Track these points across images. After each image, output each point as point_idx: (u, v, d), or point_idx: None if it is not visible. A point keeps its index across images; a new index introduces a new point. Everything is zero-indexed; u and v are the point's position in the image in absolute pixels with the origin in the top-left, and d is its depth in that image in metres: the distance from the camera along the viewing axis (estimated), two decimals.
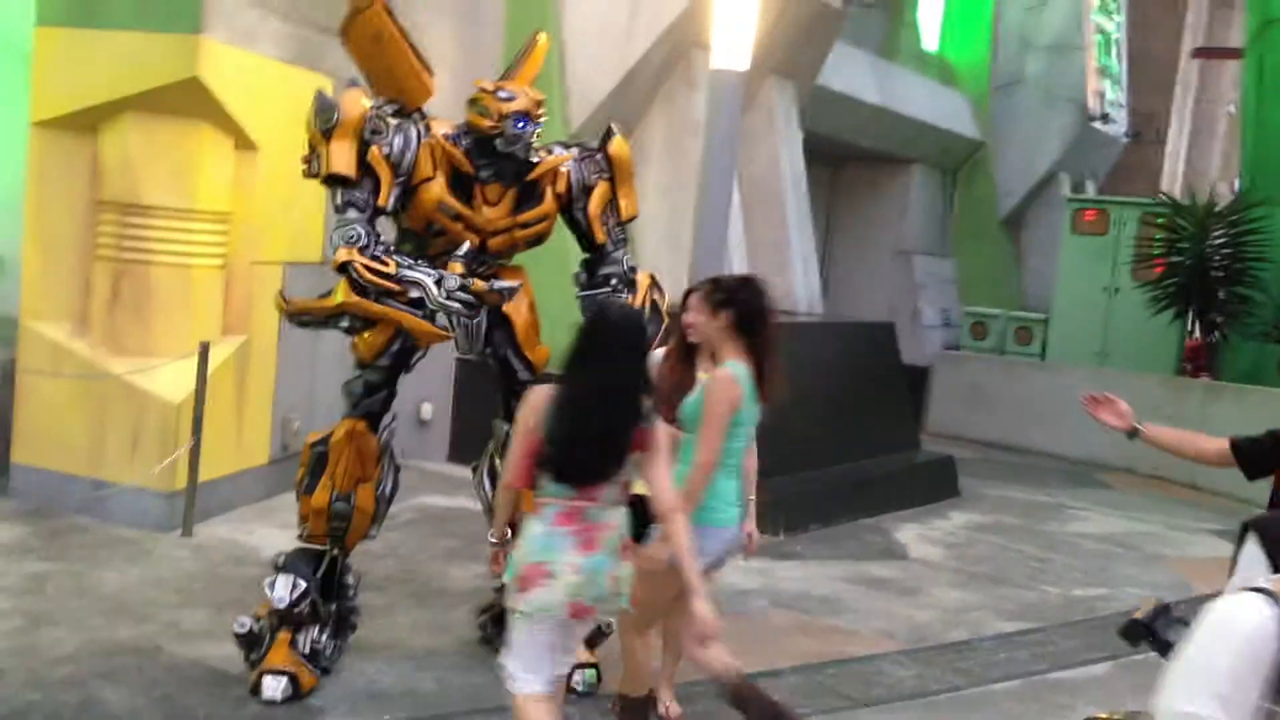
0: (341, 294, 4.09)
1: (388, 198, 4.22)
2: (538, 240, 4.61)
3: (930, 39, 15.83)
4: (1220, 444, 3.47)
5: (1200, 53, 19.66)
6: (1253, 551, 1.93)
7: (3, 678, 4.23)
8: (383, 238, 4.24)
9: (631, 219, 4.74)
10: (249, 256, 6.71)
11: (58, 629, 4.73)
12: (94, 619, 4.88)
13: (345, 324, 4.18)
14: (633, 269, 4.70)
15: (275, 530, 6.13)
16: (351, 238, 4.08)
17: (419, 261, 4.21)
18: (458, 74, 6.47)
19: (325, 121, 4.17)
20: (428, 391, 8.33)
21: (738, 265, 9.14)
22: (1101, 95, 16.04)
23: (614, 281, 4.59)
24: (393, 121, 4.27)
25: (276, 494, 7.07)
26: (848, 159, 14.58)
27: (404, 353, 4.55)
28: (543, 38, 4.73)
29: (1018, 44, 15.82)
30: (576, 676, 4.58)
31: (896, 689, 5.11)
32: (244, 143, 6.56)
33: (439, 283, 4.11)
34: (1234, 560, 2.02)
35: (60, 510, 6.26)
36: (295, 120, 4.47)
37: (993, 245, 15.96)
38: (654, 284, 4.74)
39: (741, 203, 9.58)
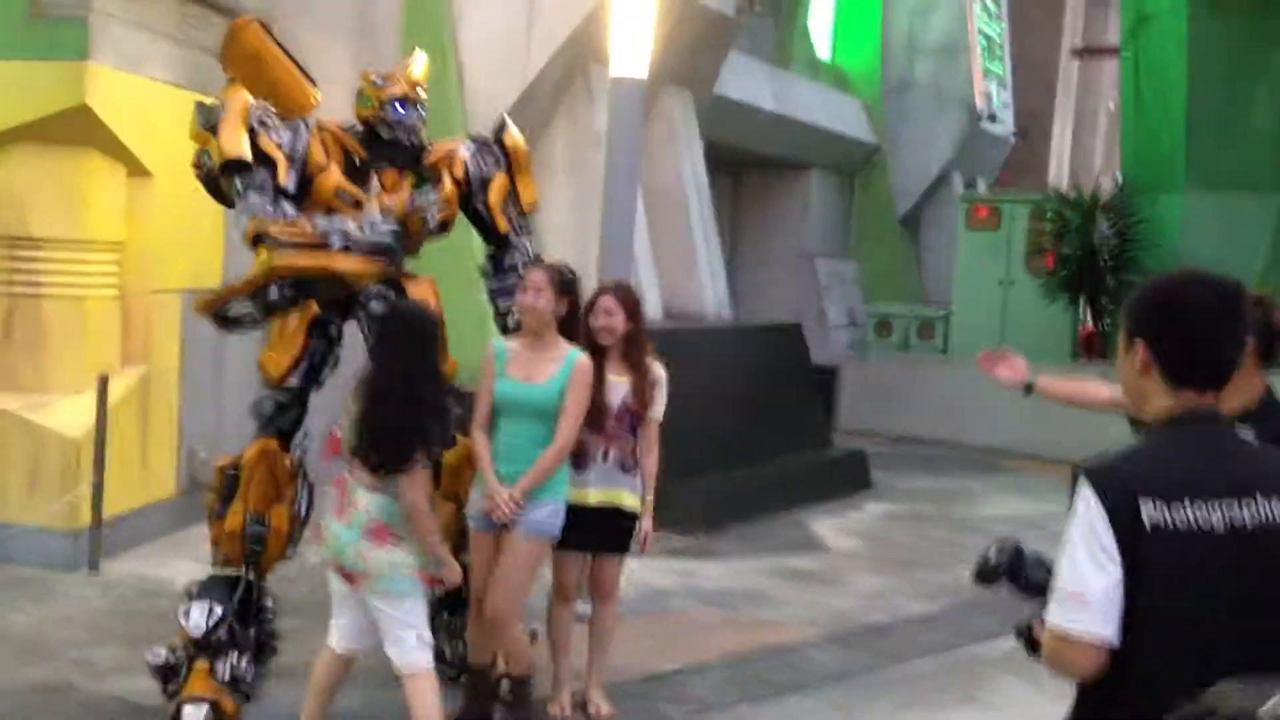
0: (265, 261, 4.00)
1: (286, 177, 4.17)
2: (443, 228, 4.58)
3: (822, 47, 16.17)
4: (1113, 392, 3.58)
5: (1079, 53, 20.41)
6: (1086, 495, 2.03)
7: None
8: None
9: (532, 207, 4.75)
10: (147, 285, 6.58)
11: None
12: (2, 660, 4.73)
13: (274, 295, 4.04)
14: (538, 255, 4.71)
15: (187, 562, 6.00)
16: (259, 213, 4.04)
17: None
18: (353, 93, 6.47)
19: (209, 119, 4.15)
20: (338, 415, 8.24)
21: (645, 276, 9.22)
22: (988, 96, 16.54)
23: (521, 269, 4.57)
24: (279, 119, 4.27)
25: (185, 526, 6.92)
26: (748, 167, 14.81)
27: (313, 370, 4.51)
28: (421, 54, 4.73)
29: (906, 49, 16.24)
30: (506, 685, 4.58)
31: (821, 674, 5.21)
32: (137, 169, 6.44)
33: (361, 223, 4.13)
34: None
35: None
36: (188, 144, 4.42)
37: (892, 245, 16.34)
38: None
39: (646, 213, 9.67)
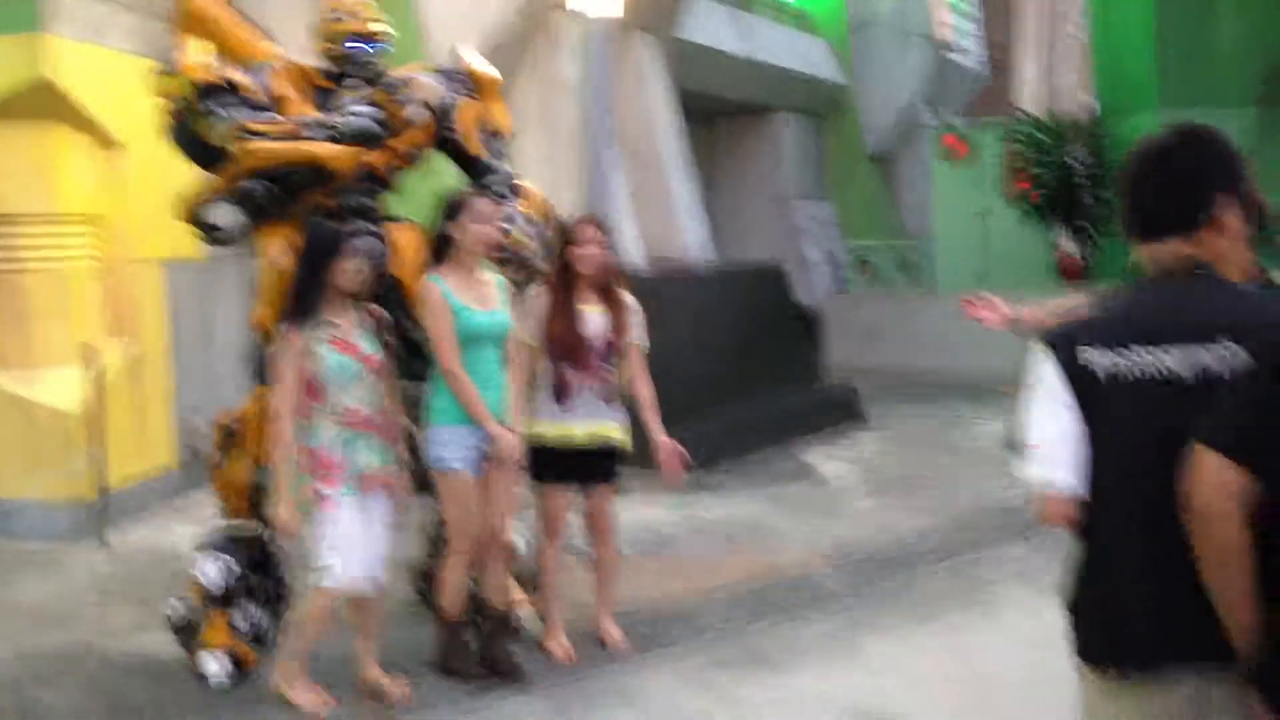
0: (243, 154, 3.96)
1: (256, 91, 4.15)
2: (416, 155, 4.51)
3: None
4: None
5: None
6: (1040, 353, 2.10)
7: None
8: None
9: (507, 131, 4.67)
10: (126, 256, 6.54)
11: None
12: (18, 630, 4.76)
13: (254, 188, 3.96)
14: (517, 175, 4.65)
15: (193, 527, 5.96)
16: (239, 116, 4.01)
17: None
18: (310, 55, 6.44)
19: (167, 64, 4.15)
20: None
21: (625, 222, 9.21)
22: (952, 27, 16.50)
23: (498, 188, 4.49)
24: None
25: (186, 495, 6.93)
26: (719, 114, 14.77)
27: None
28: None
29: None
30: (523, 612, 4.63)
31: (830, 594, 5.26)
32: (107, 141, 6.38)
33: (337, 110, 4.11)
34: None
35: None
36: (157, 113, 4.40)
37: (866, 183, 16.34)
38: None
39: (621, 161, 9.64)
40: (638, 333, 4.50)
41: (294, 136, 3.99)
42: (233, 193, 4.00)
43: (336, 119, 4.06)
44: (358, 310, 3.95)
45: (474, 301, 4.09)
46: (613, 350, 4.41)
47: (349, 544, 3.82)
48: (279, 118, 4.09)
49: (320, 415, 3.81)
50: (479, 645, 4.29)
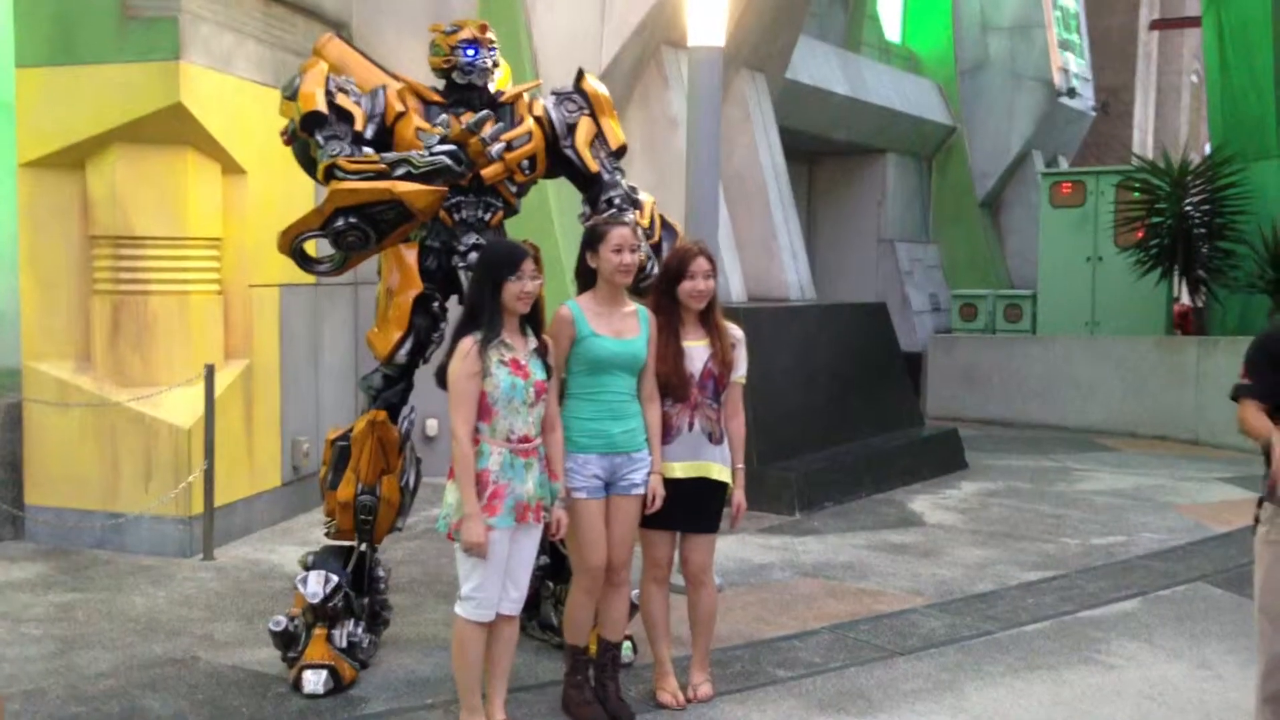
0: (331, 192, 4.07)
1: (364, 126, 4.28)
2: (531, 169, 4.56)
3: (892, 30, 16.03)
4: None
5: (1158, 24, 19.95)
6: None
7: (43, 696, 4.22)
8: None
9: (622, 148, 4.70)
10: (245, 281, 6.73)
11: (92, 650, 4.74)
12: (127, 638, 4.88)
13: (341, 225, 4.04)
14: (634, 188, 4.66)
15: (296, 548, 6.12)
16: (335, 150, 4.14)
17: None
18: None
19: (290, 88, 4.30)
20: (433, 408, 8.34)
21: (727, 258, 9.21)
22: (1066, 71, 16.23)
23: (616, 201, 4.52)
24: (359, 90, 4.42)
25: (292, 515, 7.09)
26: (823, 154, 14.73)
27: (419, 346, 4.57)
28: None
29: (978, 28, 16.03)
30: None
31: (929, 638, 5.13)
32: (231, 167, 6.60)
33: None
34: None
35: (79, 546, 6.26)
36: (278, 140, 4.54)
37: (973, 228, 16.10)
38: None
39: (725, 197, 9.65)
40: (741, 367, 4.32)
41: (380, 175, 4.07)
42: (323, 228, 4.10)
43: (415, 156, 4.13)
44: (526, 332, 3.87)
45: (606, 329, 4.03)
46: (718, 385, 4.24)
47: (495, 575, 3.74)
48: (372, 154, 4.17)
49: (486, 438, 3.72)
50: (591, 678, 4.20)
